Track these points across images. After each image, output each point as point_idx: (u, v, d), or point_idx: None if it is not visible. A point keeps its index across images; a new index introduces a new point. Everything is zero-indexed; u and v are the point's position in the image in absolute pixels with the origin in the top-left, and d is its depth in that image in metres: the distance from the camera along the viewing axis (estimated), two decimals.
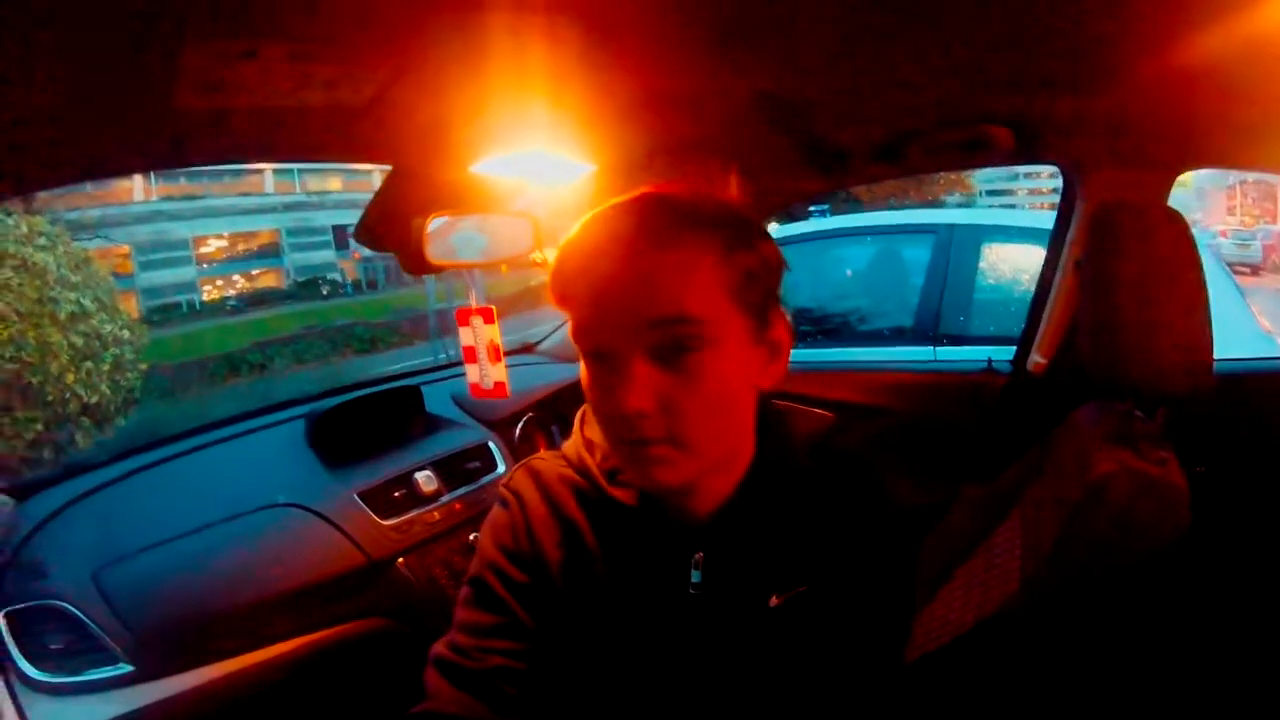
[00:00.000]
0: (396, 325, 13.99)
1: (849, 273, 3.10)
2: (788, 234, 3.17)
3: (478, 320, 1.35)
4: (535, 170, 1.14)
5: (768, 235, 0.64)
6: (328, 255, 22.04)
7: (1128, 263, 0.94)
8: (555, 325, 2.11)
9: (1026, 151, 1.28)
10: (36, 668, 1.05)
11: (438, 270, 1.21)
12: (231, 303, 19.52)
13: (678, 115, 1.06)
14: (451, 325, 1.50)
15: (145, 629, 1.09)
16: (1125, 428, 0.88)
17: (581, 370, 0.63)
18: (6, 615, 1.06)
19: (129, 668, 1.07)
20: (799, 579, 0.65)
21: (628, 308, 0.57)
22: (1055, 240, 1.42)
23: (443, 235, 1.24)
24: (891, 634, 0.68)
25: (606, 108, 0.94)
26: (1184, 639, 0.94)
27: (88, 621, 1.07)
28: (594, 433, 0.70)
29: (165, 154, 0.84)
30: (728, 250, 0.59)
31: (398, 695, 0.67)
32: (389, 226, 1.19)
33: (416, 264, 1.20)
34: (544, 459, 0.73)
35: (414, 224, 1.14)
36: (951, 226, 2.57)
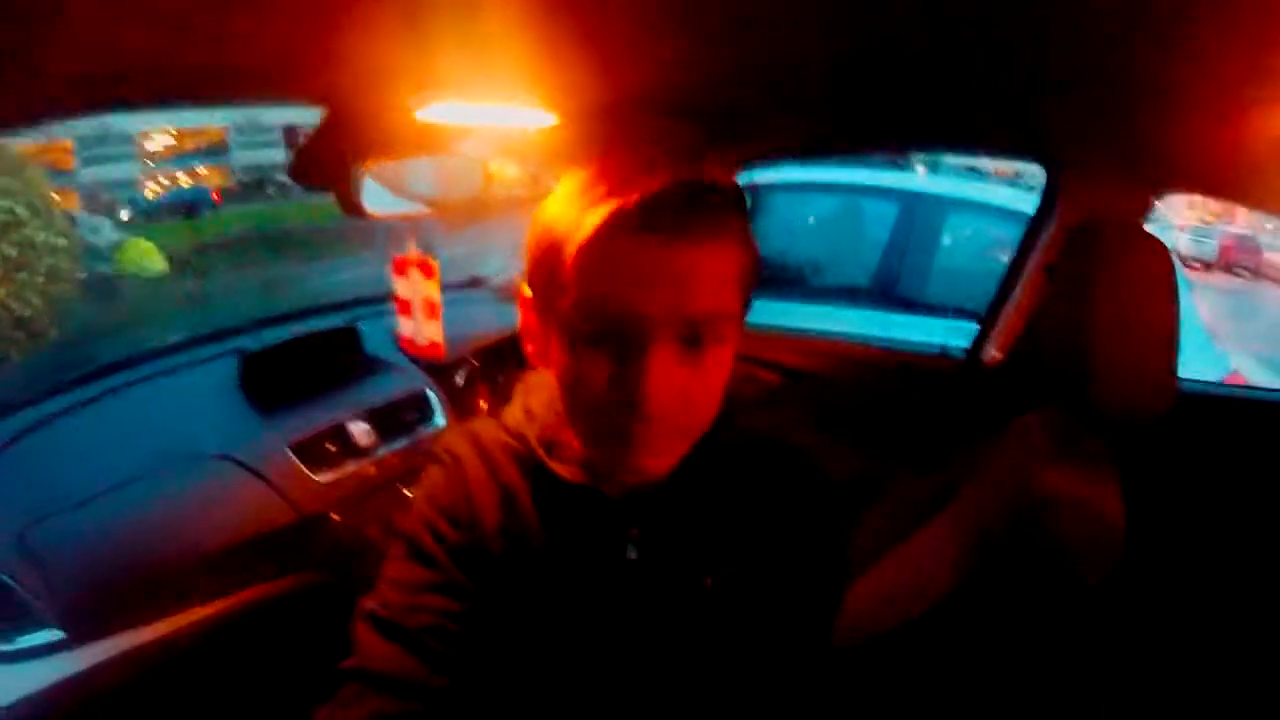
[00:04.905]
0: (342, 232, 13.50)
1: (811, 219, 3.05)
2: (745, 183, 3.07)
3: (416, 273, 1.26)
4: (488, 118, 1.05)
5: None
6: (276, 155, 20.98)
7: (1104, 282, 0.91)
8: (507, 257, 2.01)
9: (1007, 145, 1.24)
10: None
11: (376, 218, 1.12)
12: None
13: (644, 67, 0.99)
14: (399, 236, 1.43)
15: (74, 592, 1.05)
16: (1073, 446, 0.87)
17: (561, 357, 0.58)
18: None
19: (60, 633, 1.03)
20: (732, 559, 0.65)
21: (665, 302, 0.53)
22: (1027, 238, 1.39)
23: (384, 176, 1.15)
24: (820, 613, 0.68)
25: (564, 54, 0.85)
26: (1115, 650, 0.97)
27: (16, 587, 1.02)
28: (535, 402, 0.69)
29: (71, 108, 0.76)
30: (745, 236, 0.58)
31: (331, 650, 0.64)
32: (326, 167, 1.09)
33: (353, 208, 1.11)
34: (482, 425, 0.71)
35: (352, 171, 1.05)
36: (918, 195, 2.54)
